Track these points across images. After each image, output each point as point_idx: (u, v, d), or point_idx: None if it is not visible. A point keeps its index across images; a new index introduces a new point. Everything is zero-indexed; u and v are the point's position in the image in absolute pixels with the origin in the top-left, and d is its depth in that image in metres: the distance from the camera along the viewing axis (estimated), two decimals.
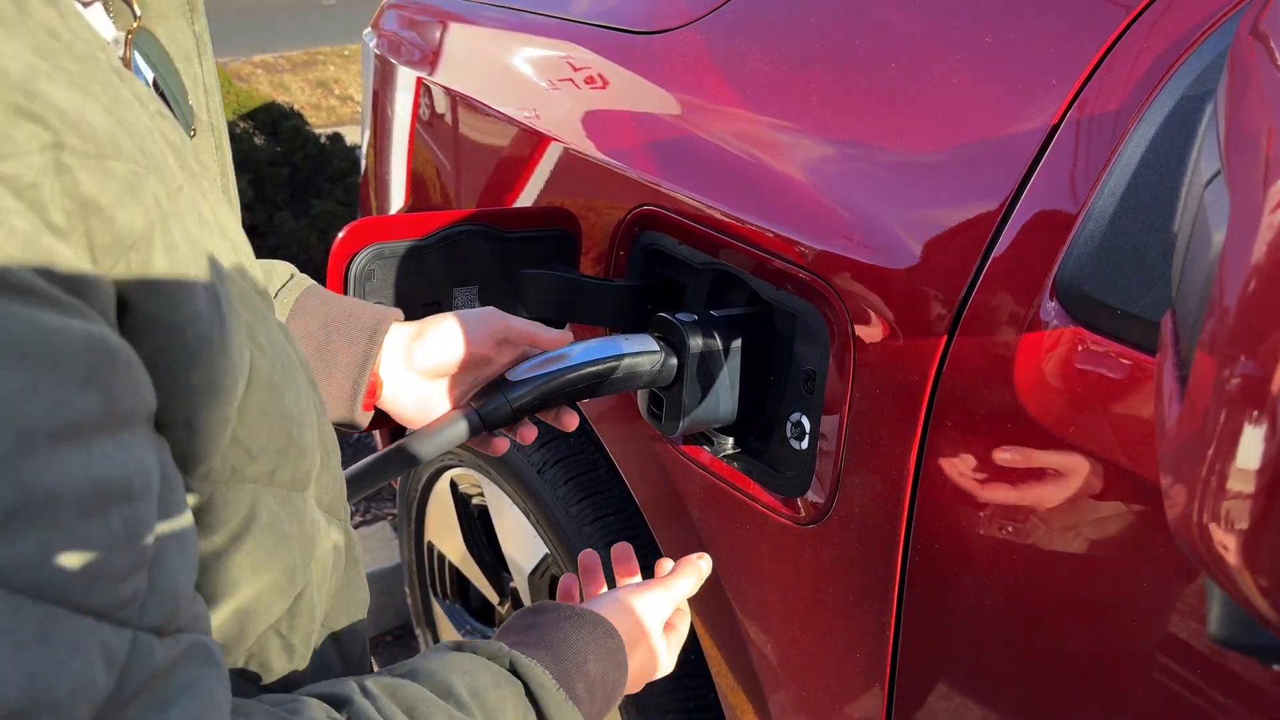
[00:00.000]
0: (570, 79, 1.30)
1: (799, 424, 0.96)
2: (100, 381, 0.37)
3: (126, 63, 0.54)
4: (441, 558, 1.93)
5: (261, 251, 3.02)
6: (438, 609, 1.98)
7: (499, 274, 1.06)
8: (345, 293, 0.94)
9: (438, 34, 1.68)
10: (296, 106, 4.75)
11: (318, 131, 3.21)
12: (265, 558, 0.52)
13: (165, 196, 0.42)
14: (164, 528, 0.42)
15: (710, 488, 1.04)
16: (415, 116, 1.67)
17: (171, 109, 0.56)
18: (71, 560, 0.37)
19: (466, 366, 0.91)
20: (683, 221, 1.02)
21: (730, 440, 1.01)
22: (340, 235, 0.93)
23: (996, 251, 0.78)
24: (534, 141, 1.27)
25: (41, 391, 0.35)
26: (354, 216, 3.15)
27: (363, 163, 1.94)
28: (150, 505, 0.40)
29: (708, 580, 1.09)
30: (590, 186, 1.16)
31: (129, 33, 0.54)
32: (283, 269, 0.90)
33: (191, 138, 0.58)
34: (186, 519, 0.44)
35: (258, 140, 3.01)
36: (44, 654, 0.35)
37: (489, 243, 1.04)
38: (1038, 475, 0.76)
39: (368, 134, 1.88)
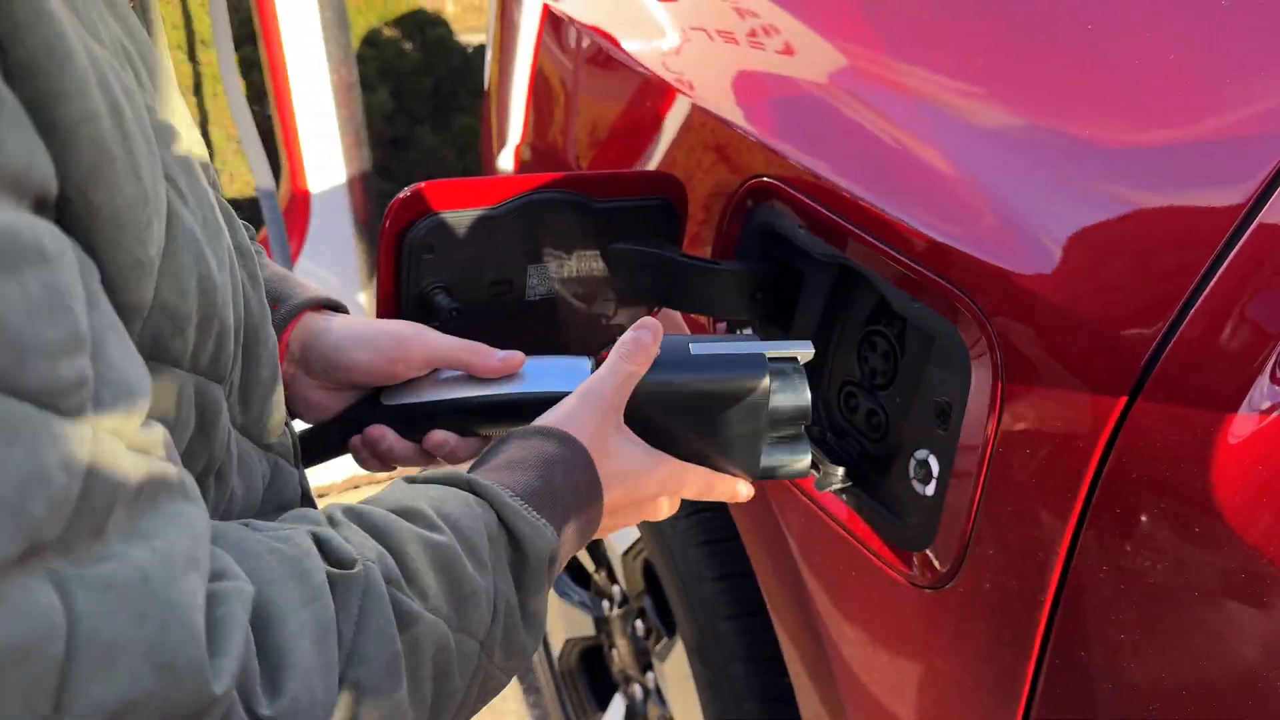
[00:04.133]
0: (702, 17, 1.11)
1: (925, 464, 0.79)
2: None
3: None
4: None
5: (400, 165, 2.95)
6: None
7: (585, 250, 0.91)
8: (398, 269, 0.81)
9: None
10: (455, 10, 4.66)
11: (466, 41, 3.10)
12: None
13: None
14: (95, 314, 0.37)
15: (813, 520, 0.89)
16: (539, 44, 1.52)
17: None
18: None
19: (369, 384, 0.78)
20: (805, 201, 0.84)
21: (841, 471, 0.84)
22: (396, 199, 0.80)
23: (1206, 296, 0.58)
24: (648, 85, 1.11)
25: None
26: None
27: (486, 77, 1.81)
28: (71, 275, 0.36)
29: (807, 620, 0.95)
30: (703, 146, 0.99)
31: None
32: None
33: None
34: (113, 314, 0.39)
35: (404, 47, 2.92)
36: None
37: (575, 213, 0.89)
38: (1232, 601, 0.57)
39: (491, 53, 1.75)
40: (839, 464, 0.85)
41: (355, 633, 0.48)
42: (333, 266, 2.21)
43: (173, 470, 0.41)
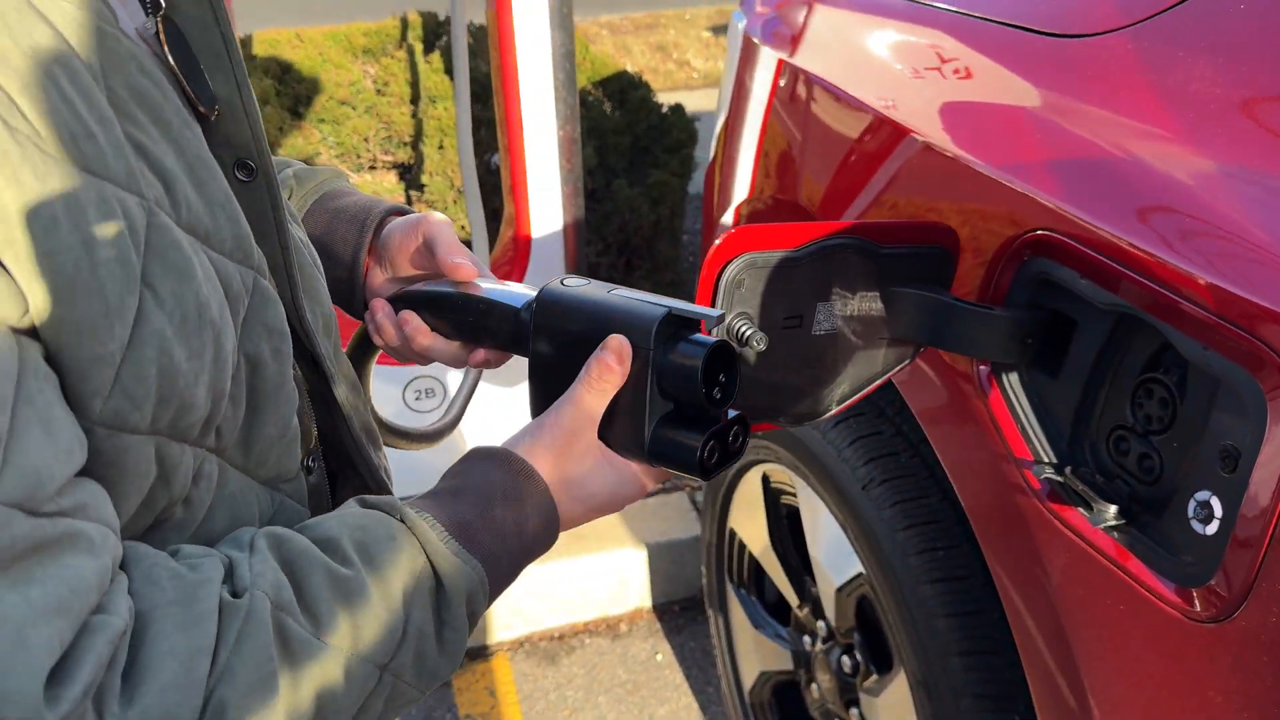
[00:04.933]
0: (958, 78, 1.20)
1: (1207, 505, 0.83)
2: None
3: (159, 45, 0.61)
4: (742, 546, 1.91)
5: (595, 216, 3.12)
6: (731, 594, 1.97)
7: (867, 292, 0.99)
8: (713, 301, 0.91)
9: (803, 15, 1.62)
10: (636, 69, 4.88)
11: (660, 101, 3.26)
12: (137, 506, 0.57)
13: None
14: (26, 410, 0.47)
15: (1079, 556, 0.93)
16: (771, 101, 1.63)
17: (194, 92, 0.63)
18: None
19: (416, 272, 0.89)
20: (1090, 254, 0.90)
21: (1113, 509, 0.89)
22: (716, 243, 0.90)
23: None
24: (899, 142, 1.19)
25: None
26: (684, 190, 3.18)
27: (712, 147, 1.93)
28: (5, 381, 0.46)
29: (1061, 656, 0.99)
30: (972, 200, 1.06)
31: (159, 20, 0.61)
32: (327, 172, 0.95)
33: (214, 118, 0.65)
34: (55, 410, 0.49)
35: (606, 108, 3.10)
36: None
37: (862, 257, 0.97)
38: None
39: (723, 117, 1.86)
40: (1110, 503, 0.90)
41: (231, 654, 0.55)
42: None
43: (84, 528, 0.50)
